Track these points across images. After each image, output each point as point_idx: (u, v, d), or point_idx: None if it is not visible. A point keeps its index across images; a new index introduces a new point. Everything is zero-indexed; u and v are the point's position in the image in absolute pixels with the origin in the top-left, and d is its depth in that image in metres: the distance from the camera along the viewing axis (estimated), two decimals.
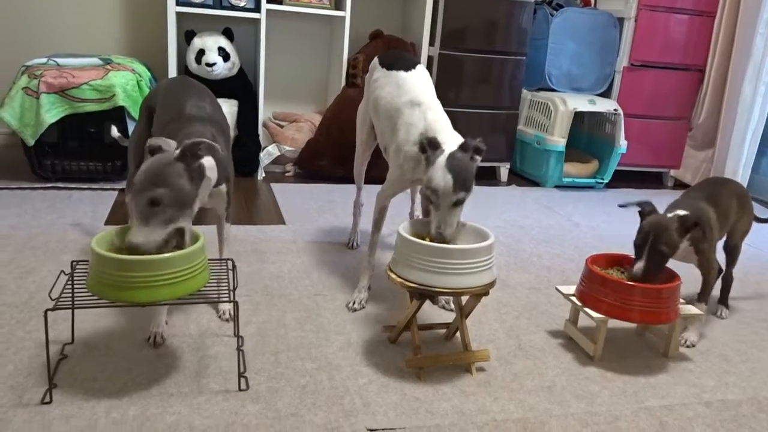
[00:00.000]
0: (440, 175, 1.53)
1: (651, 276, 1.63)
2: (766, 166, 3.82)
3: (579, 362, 1.65)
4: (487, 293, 1.51)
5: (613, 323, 1.67)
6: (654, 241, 1.63)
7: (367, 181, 2.37)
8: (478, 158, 1.58)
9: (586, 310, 1.66)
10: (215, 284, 1.51)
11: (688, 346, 1.77)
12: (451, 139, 1.64)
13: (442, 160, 1.54)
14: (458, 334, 1.64)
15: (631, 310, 1.59)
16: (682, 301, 1.71)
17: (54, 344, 1.51)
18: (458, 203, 1.54)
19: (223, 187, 1.62)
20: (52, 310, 1.28)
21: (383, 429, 1.30)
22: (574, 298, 1.73)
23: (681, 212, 1.70)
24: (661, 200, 1.85)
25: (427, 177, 1.56)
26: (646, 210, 1.72)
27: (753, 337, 1.90)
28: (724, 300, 2.04)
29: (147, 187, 1.32)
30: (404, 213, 2.79)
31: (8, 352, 1.47)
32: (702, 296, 1.83)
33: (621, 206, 1.86)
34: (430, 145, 1.57)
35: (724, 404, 1.51)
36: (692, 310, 1.74)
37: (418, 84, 1.83)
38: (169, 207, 1.33)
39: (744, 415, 1.47)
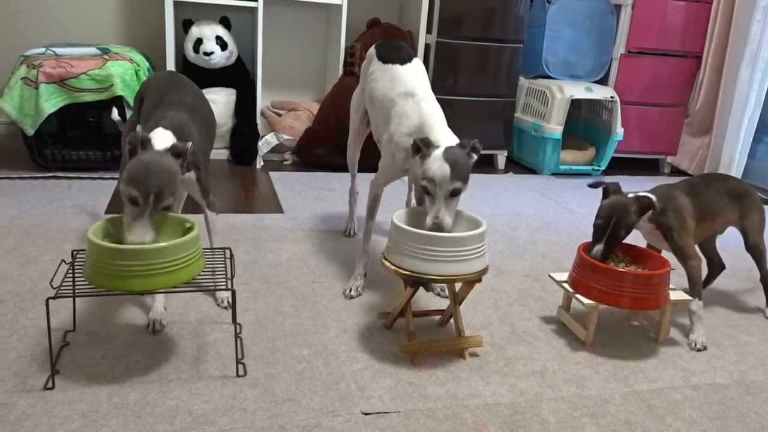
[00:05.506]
0: (437, 165, 1.54)
1: (608, 257, 1.68)
2: (762, 152, 3.83)
3: (571, 347, 1.68)
4: (479, 280, 1.54)
5: (605, 309, 1.70)
6: (616, 224, 1.65)
7: (365, 170, 2.40)
8: (475, 156, 1.60)
9: (578, 296, 1.69)
10: (213, 272, 1.54)
11: (699, 350, 1.72)
12: (446, 138, 1.64)
13: (438, 152, 1.56)
14: (452, 320, 1.67)
15: (621, 296, 1.62)
16: (672, 287, 1.74)
17: (56, 331, 1.55)
18: (455, 193, 1.55)
19: (192, 175, 1.62)
20: (54, 298, 1.30)
21: (377, 412, 1.34)
22: (566, 285, 1.76)
23: (642, 194, 1.70)
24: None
25: (423, 169, 1.56)
26: (610, 189, 1.72)
27: (743, 321, 1.93)
28: None
29: (151, 184, 1.34)
30: (401, 201, 2.81)
31: (12, 339, 1.51)
32: (691, 291, 1.76)
33: (591, 186, 1.81)
34: (424, 145, 1.58)
35: (712, 387, 1.54)
36: (682, 295, 1.77)
37: (412, 76, 1.84)
38: (167, 200, 1.37)
39: (731, 398, 1.50)
